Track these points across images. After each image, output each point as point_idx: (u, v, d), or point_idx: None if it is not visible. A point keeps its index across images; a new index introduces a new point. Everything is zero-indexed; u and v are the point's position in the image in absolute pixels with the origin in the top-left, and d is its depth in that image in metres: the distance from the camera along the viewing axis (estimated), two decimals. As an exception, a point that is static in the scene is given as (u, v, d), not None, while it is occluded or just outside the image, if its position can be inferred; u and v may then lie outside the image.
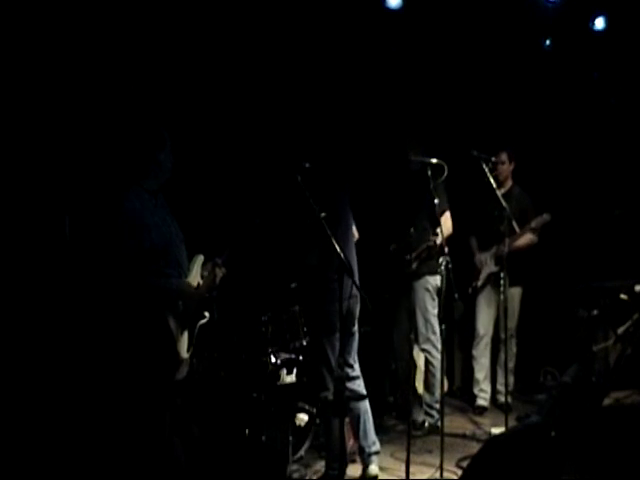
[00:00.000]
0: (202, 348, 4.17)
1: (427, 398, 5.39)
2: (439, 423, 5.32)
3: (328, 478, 4.31)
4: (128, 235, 3.61)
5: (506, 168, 5.79)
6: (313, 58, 5.43)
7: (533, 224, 5.56)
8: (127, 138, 4.00)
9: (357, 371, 4.45)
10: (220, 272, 3.92)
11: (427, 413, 5.38)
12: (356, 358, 4.45)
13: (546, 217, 5.53)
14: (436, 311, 5.28)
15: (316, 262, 4.21)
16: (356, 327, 4.41)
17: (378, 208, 5.45)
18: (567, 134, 6.43)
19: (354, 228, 4.51)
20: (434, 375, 5.35)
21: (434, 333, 5.31)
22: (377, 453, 4.44)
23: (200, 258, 3.93)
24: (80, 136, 4.34)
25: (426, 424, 5.36)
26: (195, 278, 3.86)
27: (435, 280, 5.23)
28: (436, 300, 5.27)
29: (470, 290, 5.91)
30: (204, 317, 3.83)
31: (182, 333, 3.69)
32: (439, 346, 5.19)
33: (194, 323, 3.78)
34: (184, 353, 3.69)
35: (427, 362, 5.37)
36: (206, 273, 3.91)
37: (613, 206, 5.99)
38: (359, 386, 4.43)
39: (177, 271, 3.77)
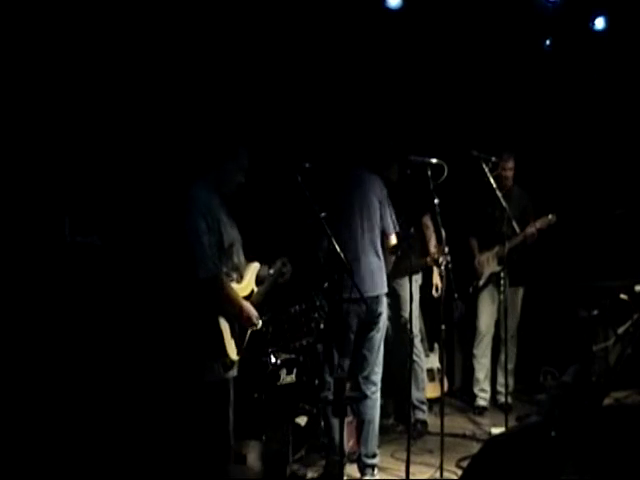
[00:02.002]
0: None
1: (415, 394, 5.34)
2: (426, 417, 5.39)
3: (328, 478, 4.32)
4: (206, 227, 3.59)
5: (512, 174, 5.77)
6: (313, 58, 5.43)
7: (538, 224, 5.54)
8: (203, 137, 4.05)
9: (377, 375, 4.45)
10: (289, 269, 3.97)
11: (416, 407, 5.37)
12: (376, 361, 4.44)
13: (552, 218, 5.52)
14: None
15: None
16: (375, 330, 4.41)
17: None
18: (567, 134, 6.43)
19: (393, 237, 4.50)
20: (421, 370, 5.48)
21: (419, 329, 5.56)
22: (373, 466, 4.43)
23: (255, 266, 3.92)
24: (80, 137, 4.34)
25: (418, 425, 5.34)
26: (248, 286, 3.84)
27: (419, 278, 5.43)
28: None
29: (471, 290, 5.91)
30: (257, 326, 3.80)
31: (232, 337, 3.68)
32: (421, 345, 5.57)
33: (245, 330, 3.77)
34: (234, 355, 3.68)
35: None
36: (272, 271, 3.93)
37: (614, 206, 5.99)
38: (373, 393, 4.42)
39: (235, 274, 3.77)
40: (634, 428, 3.05)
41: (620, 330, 5.52)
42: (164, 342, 4.25)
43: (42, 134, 4.17)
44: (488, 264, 5.85)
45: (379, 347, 4.47)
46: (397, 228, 4.56)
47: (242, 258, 3.85)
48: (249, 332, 3.79)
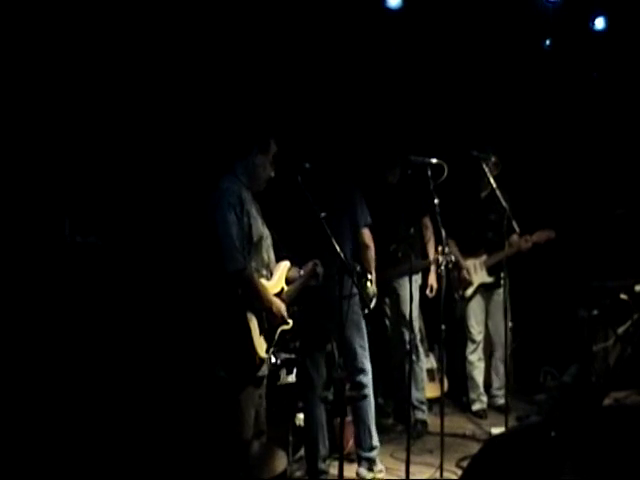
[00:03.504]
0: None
1: (414, 394, 5.31)
2: (426, 417, 5.39)
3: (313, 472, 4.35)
4: (235, 218, 3.53)
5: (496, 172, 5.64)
6: (313, 58, 5.43)
7: (535, 238, 5.49)
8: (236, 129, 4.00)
9: (365, 375, 4.45)
10: (321, 271, 3.92)
11: (416, 407, 5.36)
12: (358, 366, 4.44)
13: (550, 234, 5.47)
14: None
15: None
16: (355, 328, 4.41)
17: (378, 208, 5.44)
18: (568, 133, 6.43)
19: (365, 230, 4.51)
20: (420, 370, 5.46)
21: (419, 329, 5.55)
22: (369, 459, 4.44)
23: (285, 264, 3.89)
24: (80, 136, 4.34)
25: (418, 425, 5.34)
26: (278, 284, 3.80)
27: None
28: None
29: (458, 299, 5.80)
30: (287, 324, 3.77)
31: (261, 334, 3.63)
32: (421, 345, 5.55)
33: (275, 327, 3.73)
34: (263, 353, 3.62)
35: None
36: (301, 273, 3.89)
37: (614, 206, 5.99)
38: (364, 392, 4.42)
39: (264, 271, 3.73)
40: (634, 428, 3.05)
41: (620, 330, 5.51)
42: (172, 341, 4.24)
43: (42, 134, 4.17)
44: (476, 273, 5.71)
45: (355, 350, 4.44)
46: (369, 221, 4.55)
47: (272, 256, 3.82)
48: (279, 330, 3.75)
